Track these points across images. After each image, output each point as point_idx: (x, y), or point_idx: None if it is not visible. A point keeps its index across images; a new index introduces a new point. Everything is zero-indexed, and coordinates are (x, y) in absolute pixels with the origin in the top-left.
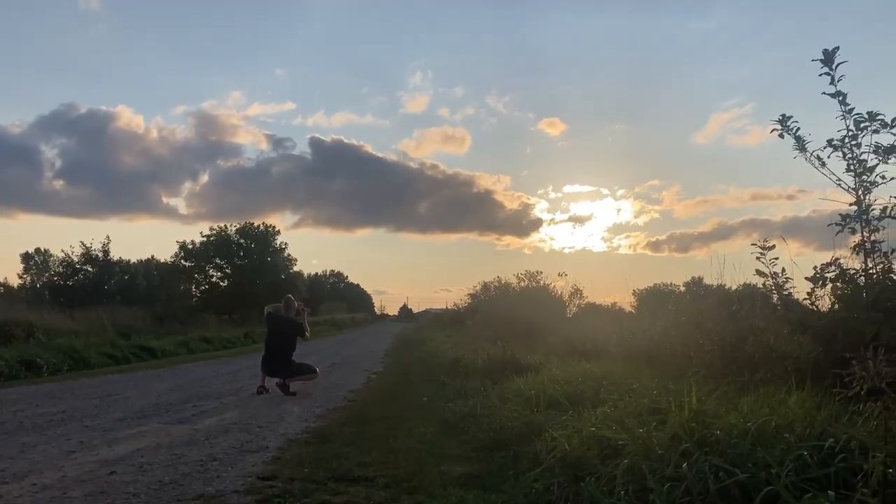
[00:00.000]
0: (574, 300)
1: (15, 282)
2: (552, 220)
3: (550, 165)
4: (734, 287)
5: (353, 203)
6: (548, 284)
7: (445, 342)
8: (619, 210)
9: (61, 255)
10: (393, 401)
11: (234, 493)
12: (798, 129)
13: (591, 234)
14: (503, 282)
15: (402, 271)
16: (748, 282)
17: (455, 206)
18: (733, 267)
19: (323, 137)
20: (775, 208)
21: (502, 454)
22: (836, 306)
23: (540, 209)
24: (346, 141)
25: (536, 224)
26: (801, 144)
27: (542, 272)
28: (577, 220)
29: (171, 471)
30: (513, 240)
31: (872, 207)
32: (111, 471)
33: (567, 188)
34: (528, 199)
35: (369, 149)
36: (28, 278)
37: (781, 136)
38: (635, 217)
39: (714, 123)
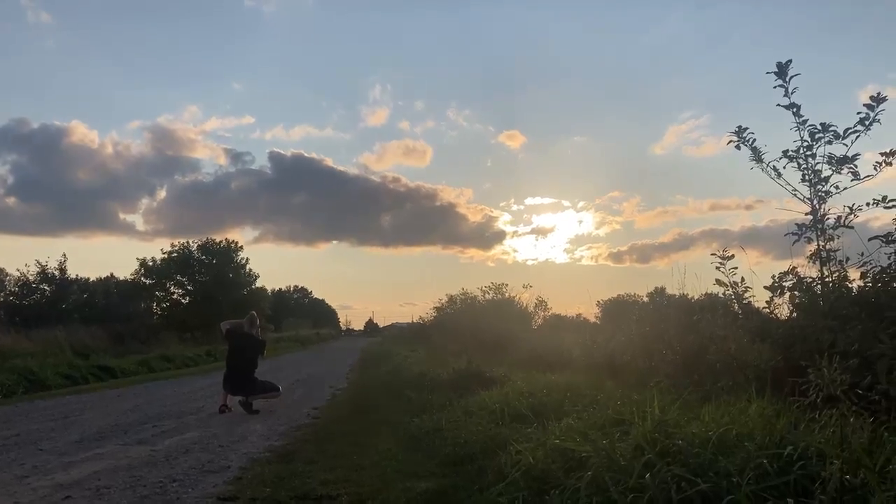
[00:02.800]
0: (539, 312)
1: None
2: (515, 232)
3: (512, 178)
4: (696, 296)
5: (314, 217)
6: (513, 297)
7: (411, 356)
8: (580, 222)
9: (16, 273)
10: (357, 417)
11: None
12: (754, 140)
13: (553, 245)
14: (468, 294)
15: (366, 286)
16: (709, 291)
17: (418, 219)
18: (695, 276)
19: (282, 151)
20: (734, 218)
21: (467, 468)
22: (794, 314)
23: (503, 221)
24: (306, 155)
25: (499, 236)
26: (757, 155)
27: (507, 284)
28: (540, 231)
29: (129, 494)
30: (476, 252)
31: (827, 217)
32: (66, 495)
33: (529, 200)
34: (491, 211)
35: (330, 162)
36: None
37: (738, 147)
38: (596, 228)
39: (671, 135)
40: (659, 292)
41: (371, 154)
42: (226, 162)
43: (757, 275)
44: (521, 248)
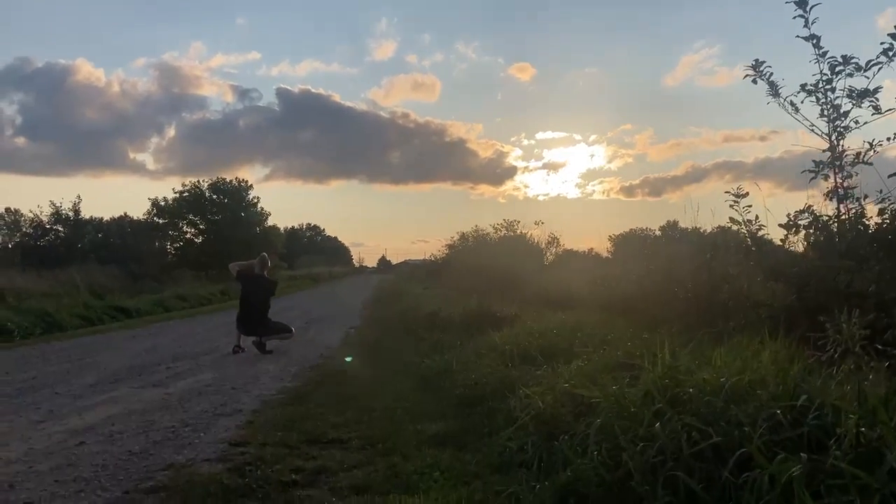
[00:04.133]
0: (551, 248)
1: None
2: (526, 167)
3: (522, 112)
4: (708, 230)
5: (324, 154)
6: (524, 233)
7: (423, 295)
8: (592, 156)
9: (30, 215)
10: (370, 356)
11: (205, 461)
12: (771, 74)
13: (564, 180)
14: (480, 232)
15: (378, 223)
16: (722, 224)
17: (428, 155)
18: (708, 210)
19: (289, 87)
20: (748, 150)
21: (477, 410)
22: (810, 253)
23: (513, 157)
24: (313, 90)
25: (510, 172)
26: (774, 90)
27: (518, 221)
28: (551, 166)
29: (141, 439)
30: (487, 188)
31: (846, 153)
32: (80, 441)
33: (540, 135)
34: (502, 146)
35: (337, 98)
36: None
37: (755, 81)
38: (608, 162)
39: (684, 65)
40: (671, 226)
41: (379, 89)
42: (233, 99)
43: (771, 212)
44: (532, 184)
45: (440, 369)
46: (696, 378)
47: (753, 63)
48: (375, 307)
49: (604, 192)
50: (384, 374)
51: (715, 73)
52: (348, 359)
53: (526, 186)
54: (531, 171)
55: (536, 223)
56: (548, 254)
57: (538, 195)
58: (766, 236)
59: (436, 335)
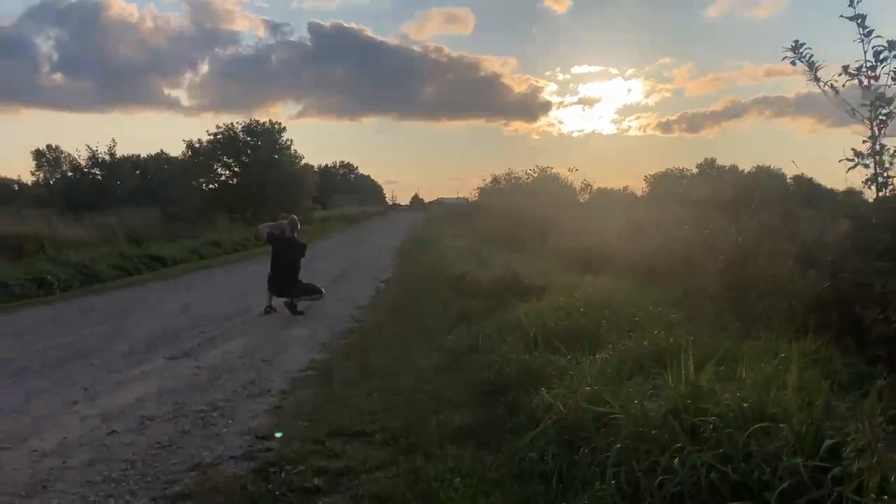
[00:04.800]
0: (584, 192)
1: (28, 179)
2: (561, 103)
3: (558, 45)
4: (746, 169)
5: (356, 90)
6: (558, 174)
7: (454, 245)
8: (628, 90)
9: (71, 153)
10: (398, 323)
11: (230, 458)
12: (811, 56)
13: (600, 116)
14: (512, 175)
15: (411, 160)
16: (761, 163)
17: (461, 90)
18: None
19: (322, 22)
20: (789, 84)
21: (500, 400)
22: (846, 242)
23: (548, 92)
24: (345, 25)
25: (545, 107)
26: (813, 72)
27: (551, 167)
28: (587, 102)
29: (170, 427)
30: (521, 125)
31: (887, 147)
32: (112, 430)
33: (575, 69)
34: (536, 81)
35: (370, 32)
36: (41, 175)
37: (794, 63)
38: (645, 97)
39: None
40: (709, 163)
41: (412, 22)
42: (265, 34)
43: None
44: (566, 120)
45: (465, 347)
46: (719, 399)
47: (793, 44)
48: (405, 258)
49: (640, 128)
50: (412, 346)
51: (758, 4)
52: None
53: (560, 122)
54: (566, 106)
55: (570, 169)
56: (582, 194)
57: (573, 131)
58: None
59: (463, 301)
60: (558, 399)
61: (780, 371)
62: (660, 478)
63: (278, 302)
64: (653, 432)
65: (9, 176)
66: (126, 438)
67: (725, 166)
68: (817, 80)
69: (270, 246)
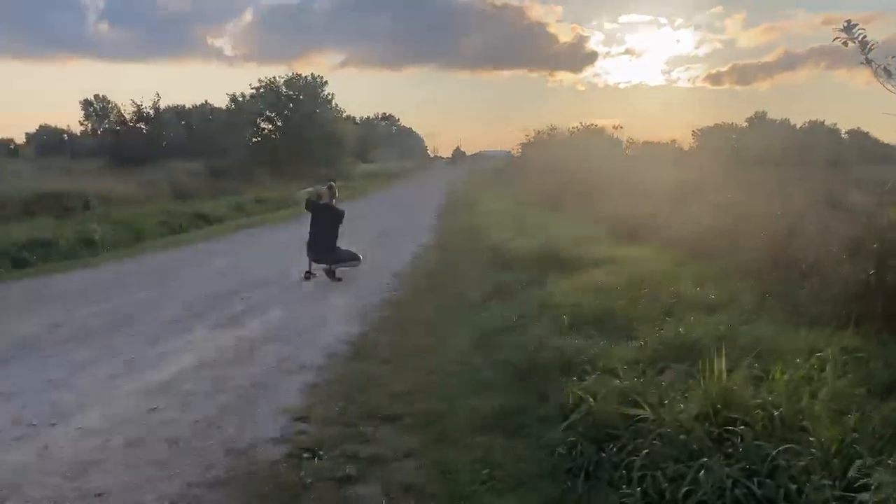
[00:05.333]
0: (630, 146)
1: (77, 129)
2: (607, 53)
3: None
4: (799, 124)
5: (399, 40)
6: (602, 127)
7: (493, 208)
8: (677, 41)
9: (117, 105)
10: (433, 294)
11: (266, 441)
12: (864, 35)
13: (647, 67)
14: (555, 130)
15: (452, 111)
16: (814, 118)
17: (505, 40)
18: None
19: None
20: None
21: (533, 384)
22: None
23: (594, 42)
24: None
25: (591, 58)
26: (866, 53)
27: (595, 124)
28: (634, 52)
29: (211, 404)
30: (566, 75)
31: None
32: (153, 406)
33: (623, 18)
34: (582, 30)
35: None
36: (89, 125)
37: (846, 44)
38: (695, 48)
39: None
40: (760, 117)
41: None
42: None
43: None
44: (613, 71)
45: (500, 326)
46: (749, 408)
47: (845, 25)
48: (444, 219)
49: (689, 80)
50: (448, 320)
51: None
52: None
53: (606, 73)
54: (612, 56)
55: (615, 127)
56: (628, 148)
57: (619, 83)
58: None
59: (498, 274)
60: (588, 391)
61: (815, 371)
62: (685, 488)
63: (317, 267)
64: (681, 437)
65: (59, 125)
66: (166, 415)
67: (777, 120)
68: (869, 62)
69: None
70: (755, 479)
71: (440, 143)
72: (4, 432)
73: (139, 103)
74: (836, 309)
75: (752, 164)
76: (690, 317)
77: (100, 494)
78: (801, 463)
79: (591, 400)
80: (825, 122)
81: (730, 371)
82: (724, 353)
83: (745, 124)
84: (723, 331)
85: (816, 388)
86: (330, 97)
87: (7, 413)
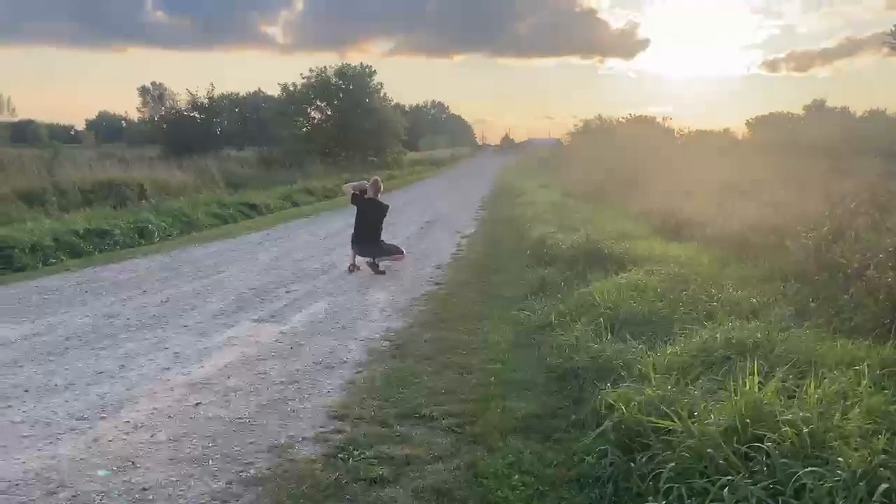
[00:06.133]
0: (681, 136)
1: (135, 115)
2: (660, 39)
3: None
4: (859, 112)
5: (447, 26)
6: (654, 118)
7: (539, 200)
8: (733, 27)
9: (173, 92)
10: (475, 288)
11: (304, 440)
12: None
13: (701, 54)
14: (605, 120)
15: (501, 99)
16: (875, 107)
17: (555, 26)
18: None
19: None
20: None
21: (569, 388)
22: None
23: (646, 28)
24: None
25: (643, 44)
26: None
27: (646, 114)
28: (687, 39)
29: (252, 401)
30: (617, 62)
31: None
32: (197, 401)
33: (676, 2)
34: (634, 17)
35: None
36: (146, 112)
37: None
38: (752, 33)
39: None
40: (818, 105)
41: None
42: None
43: None
44: (665, 58)
45: (539, 323)
46: (777, 425)
47: (893, 29)
48: (490, 209)
49: (745, 66)
50: (486, 316)
51: None
52: None
53: (658, 60)
54: (665, 43)
55: (664, 119)
56: (679, 139)
57: (671, 71)
58: None
59: (540, 270)
60: (621, 399)
61: (851, 385)
62: None
63: (361, 260)
64: (708, 451)
65: (118, 112)
66: (210, 411)
67: (836, 108)
68: None
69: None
70: (780, 500)
71: (489, 130)
72: (57, 425)
73: (194, 92)
74: (879, 318)
75: (807, 154)
76: (728, 322)
77: (145, 489)
78: (827, 485)
79: (622, 408)
80: (886, 111)
81: (762, 383)
82: (756, 364)
83: (801, 113)
84: (759, 338)
85: (850, 405)
86: (379, 86)
87: (60, 405)
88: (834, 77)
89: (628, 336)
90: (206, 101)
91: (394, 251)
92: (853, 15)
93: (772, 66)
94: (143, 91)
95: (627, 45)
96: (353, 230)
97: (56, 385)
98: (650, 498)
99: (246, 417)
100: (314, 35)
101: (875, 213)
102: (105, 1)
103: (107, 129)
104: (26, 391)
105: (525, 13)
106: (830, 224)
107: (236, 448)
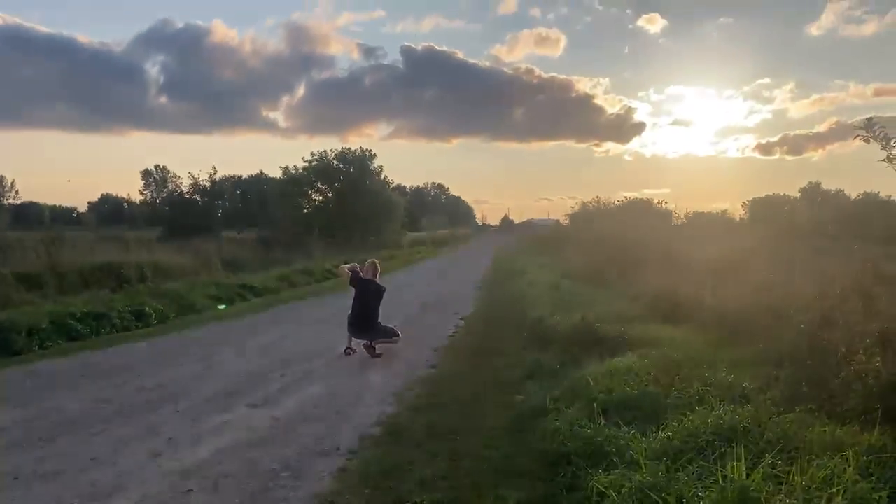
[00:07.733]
0: (678, 216)
1: (137, 198)
2: (654, 124)
3: (651, 66)
4: (854, 195)
5: (447, 112)
6: (650, 200)
7: (537, 280)
8: (726, 112)
9: (175, 174)
10: (471, 372)
11: None
12: (884, 133)
13: (696, 137)
14: (602, 202)
15: (501, 181)
16: (868, 190)
17: (552, 111)
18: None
19: (414, 45)
20: None
21: (562, 473)
22: None
23: (641, 112)
24: (437, 48)
25: (638, 128)
26: (888, 148)
27: (643, 196)
28: (682, 123)
29: (242, 489)
30: (613, 146)
31: None
32: (188, 489)
33: (670, 89)
34: (629, 102)
35: (461, 55)
36: (148, 194)
37: (867, 141)
38: (744, 118)
39: (829, 13)
40: (813, 188)
41: (502, 45)
42: (359, 57)
43: None
44: (660, 141)
45: (534, 407)
46: None
47: (864, 122)
48: (487, 290)
49: (738, 150)
50: (483, 400)
51: (864, 20)
52: None
53: (654, 143)
54: (660, 127)
55: (660, 202)
56: (676, 218)
57: (667, 153)
58: None
59: (537, 354)
60: (612, 486)
61: (837, 471)
62: None
63: (357, 343)
64: None
65: (120, 194)
66: (200, 499)
67: (831, 191)
68: (891, 161)
69: (351, 289)
70: None
71: (489, 211)
72: None
73: (196, 175)
74: (867, 403)
75: (804, 236)
76: (720, 407)
77: None
78: None
79: (613, 496)
80: (880, 194)
81: (751, 469)
82: (744, 450)
83: (797, 195)
84: (750, 424)
85: (835, 492)
86: (379, 169)
87: (51, 494)
88: (827, 160)
89: (624, 419)
90: (207, 183)
91: (390, 333)
92: (843, 102)
93: (766, 149)
94: (146, 174)
95: (623, 129)
96: (349, 312)
97: (46, 472)
98: None
99: None
100: (315, 119)
101: (862, 299)
102: (107, 87)
103: (109, 211)
104: (16, 479)
105: (523, 100)
106: (822, 307)
107: None
